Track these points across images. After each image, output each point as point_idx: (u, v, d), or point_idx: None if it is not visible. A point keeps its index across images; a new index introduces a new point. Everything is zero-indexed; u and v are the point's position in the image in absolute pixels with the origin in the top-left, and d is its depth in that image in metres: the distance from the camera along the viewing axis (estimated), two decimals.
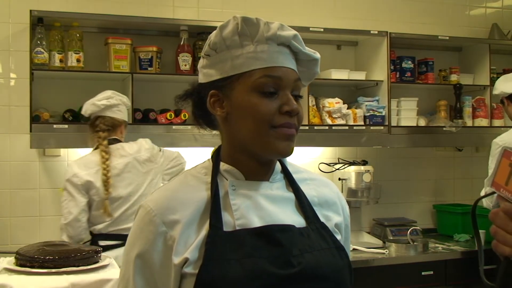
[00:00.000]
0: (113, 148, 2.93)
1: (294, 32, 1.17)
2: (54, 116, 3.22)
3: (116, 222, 2.92)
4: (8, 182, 3.28)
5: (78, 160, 2.96)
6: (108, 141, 2.94)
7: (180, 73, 3.36)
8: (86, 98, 3.33)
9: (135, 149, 2.98)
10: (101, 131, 2.92)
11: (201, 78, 1.21)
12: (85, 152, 3.37)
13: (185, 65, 3.36)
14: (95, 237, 2.94)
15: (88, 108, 2.96)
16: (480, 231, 3.83)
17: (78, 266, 2.29)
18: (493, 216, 0.95)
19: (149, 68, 3.31)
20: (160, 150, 3.09)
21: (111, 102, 2.95)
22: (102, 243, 2.86)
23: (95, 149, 2.95)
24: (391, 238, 3.65)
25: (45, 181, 3.34)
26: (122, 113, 3.00)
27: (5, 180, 3.28)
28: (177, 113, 3.27)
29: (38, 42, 3.11)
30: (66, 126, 3.10)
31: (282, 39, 1.15)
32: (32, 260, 2.26)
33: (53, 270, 2.23)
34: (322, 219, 1.20)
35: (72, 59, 3.17)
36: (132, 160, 2.95)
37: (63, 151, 3.36)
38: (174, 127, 3.26)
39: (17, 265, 2.29)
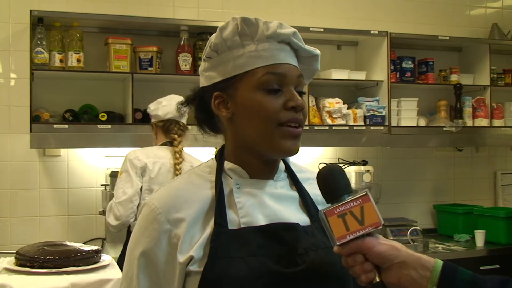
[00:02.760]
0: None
1: (293, 29, 1.18)
2: (54, 116, 3.22)
3: None
4: (8, 182, 3.28)
5: (140, 149, 2.98)
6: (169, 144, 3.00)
7: (180, 73, 3.36)
8: (86, 98, 3.35)
9: (192, 158, 3.05)
10: (177, 135, 2.99)
11: (203, 82, 1.21)
12: (85, 152, 3.39)
13: (185, 65, 3.35)
14: None
15: (169, 112, 2.96)
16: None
17: (78, 266, 2.29)
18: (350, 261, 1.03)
19: (149, 68, 3.31)
20: None
21: (185, 109, 2.96)
22: None
23: (161, 146, 2.99)
24: (391, 238, 3.65)
25: (45, 181, 3.33)
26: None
27: (5, 180, 3.27)
28: None
29: (38, 42, 3.11)
30: (66, 126, 3.09)
31: (282, 37, 1.15)
32: (32, 260, 2.26)
33: (53, 270, 2.24)
34: None
35: (72, 59, 3.17)
36: (190, 166, 2.98)
37: (63, 151, 3.36)
38: None
39: (17, 265, 2.29)
